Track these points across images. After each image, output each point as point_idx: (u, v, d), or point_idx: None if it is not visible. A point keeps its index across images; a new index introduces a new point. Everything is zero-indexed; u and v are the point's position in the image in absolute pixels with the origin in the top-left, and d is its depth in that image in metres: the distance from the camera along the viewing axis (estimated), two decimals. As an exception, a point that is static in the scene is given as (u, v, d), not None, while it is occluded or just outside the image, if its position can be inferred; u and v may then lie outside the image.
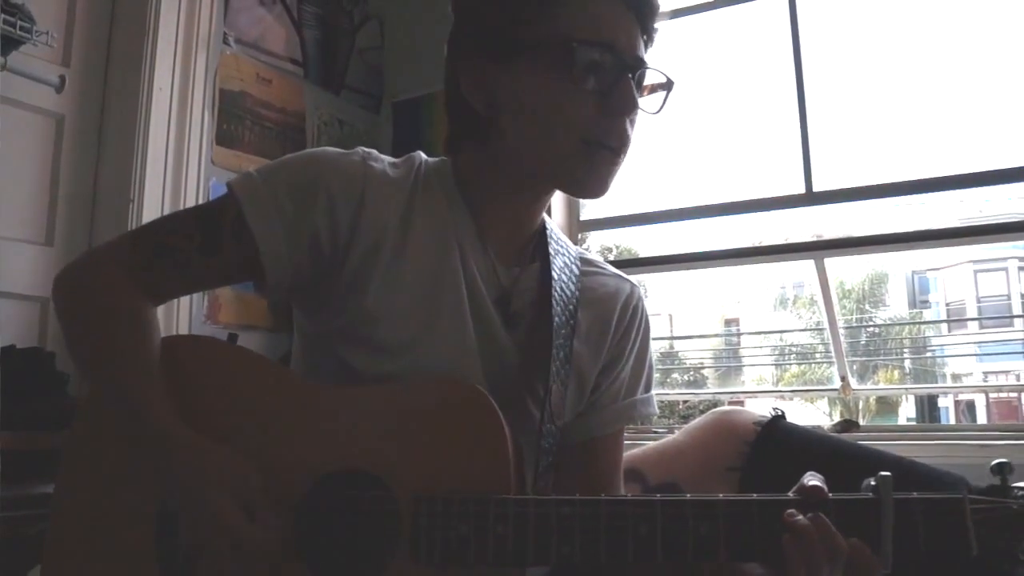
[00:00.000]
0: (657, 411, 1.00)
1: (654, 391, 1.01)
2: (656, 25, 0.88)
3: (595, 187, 0.86)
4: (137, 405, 0.80)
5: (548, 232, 0.96)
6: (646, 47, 0.88)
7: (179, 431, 0.79)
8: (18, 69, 1.84)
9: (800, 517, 0.69)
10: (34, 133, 1.98)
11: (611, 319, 0.96)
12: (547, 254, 0.93)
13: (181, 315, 2.07)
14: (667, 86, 0.89)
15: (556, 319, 0.88)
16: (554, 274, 0.91)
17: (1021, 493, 0.69)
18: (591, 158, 0.84)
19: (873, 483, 0.71)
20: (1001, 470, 0.70)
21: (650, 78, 0.88)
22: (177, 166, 2.14)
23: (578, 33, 0.82)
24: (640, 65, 0.85)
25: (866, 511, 0.69)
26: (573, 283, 0.94)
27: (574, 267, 0.96)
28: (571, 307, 0.91)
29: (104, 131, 2.11)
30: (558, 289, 0.90)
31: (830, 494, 0.71)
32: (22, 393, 1.63)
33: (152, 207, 2.05)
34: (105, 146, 2.10)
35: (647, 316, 1.01)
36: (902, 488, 0.71)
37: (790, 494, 0.72)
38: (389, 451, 0.79)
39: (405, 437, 0.79)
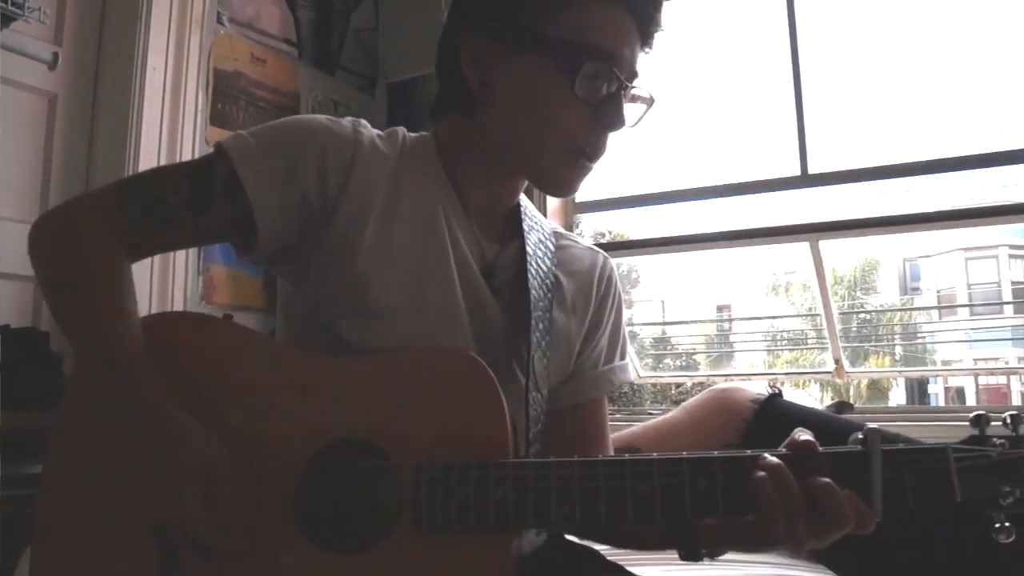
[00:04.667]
0: (632, 376, 1.05)
1: (629, 359, 1.05)
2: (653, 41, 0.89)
3: (566, 190, 0.93)
4: (122, 373, 0.80)
5: (523, 209, 0.98)
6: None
7: (162, 405, 0.79)
8: (10, 46, 1.82)
9: (768, 458, 0.71)
10: (26, 112, 1.96)
11: (591, 289, 0.99)
12: (522, 231, 0.95)
13: (176, 295, 2.06)
14: (648, 102, 0.90)
15: (533, 292, 0.90)
16: (529, 249, 0.93)
17: (999, 442, 0.72)
18: (572, 166, 0.88)
19: (861, 436, 0.73)
20: (979, 421, 0.73)
21: (635, 89, 0.89)
22: (171, 146, 2.12)
23: (588, 39, 0.82)
24: (633, 79, 0.87)
25: (856, 464, 0.71)
26: (549, 258, 0.96)
27: (549, 242, 0.98)
28: (548, 281, 0.94)
29: (97, 110, 2.09)
30: (534, 264, 0.93)
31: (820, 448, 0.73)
32: (16, 373, 1.62)
33: (146, 187, 2.04)
34: (98, 125, 2.09)
35: (619, 285, 1.04)
36: None
37: (782, 448, 0.73)
38: (388, 421, 0.79)
39: (403, 406, 0.79)
